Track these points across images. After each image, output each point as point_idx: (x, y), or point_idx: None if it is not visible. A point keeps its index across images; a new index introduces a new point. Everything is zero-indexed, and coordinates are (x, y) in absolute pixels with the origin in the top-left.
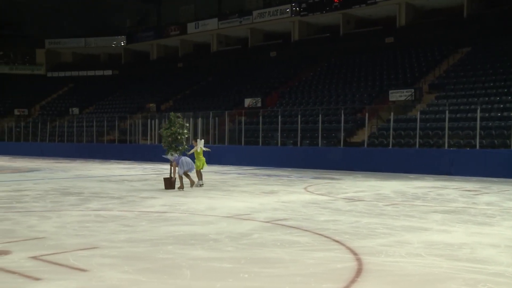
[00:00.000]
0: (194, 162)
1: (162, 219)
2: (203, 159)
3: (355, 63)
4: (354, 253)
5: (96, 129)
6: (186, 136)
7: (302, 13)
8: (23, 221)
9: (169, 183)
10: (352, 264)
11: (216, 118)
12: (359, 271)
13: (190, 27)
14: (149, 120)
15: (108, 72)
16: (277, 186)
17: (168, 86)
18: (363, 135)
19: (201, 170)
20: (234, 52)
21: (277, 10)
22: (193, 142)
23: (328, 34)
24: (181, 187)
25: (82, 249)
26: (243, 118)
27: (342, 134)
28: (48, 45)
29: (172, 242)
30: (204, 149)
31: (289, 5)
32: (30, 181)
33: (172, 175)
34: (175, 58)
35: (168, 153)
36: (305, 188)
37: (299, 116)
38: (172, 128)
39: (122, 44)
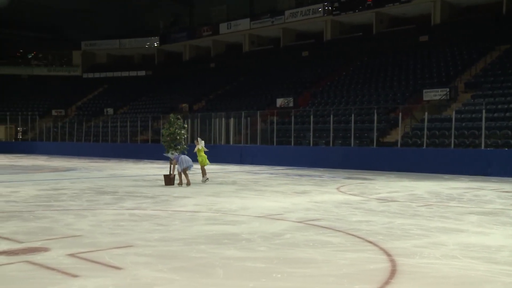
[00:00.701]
0: (197, 160)
1: (195, 219)
2: (205, 156)
3: (388, 62)
4: (388, 254)
5: (130, 129)
6: (184, 136)
7: (334, 13)
8: (61, 219)
9: (168, 180)
10: (386, 265)
11: (248, 118)
12: (393, 273)
13: (222, 27)
14: (182, 120)
15: (142, 73)
16: (309, 186)
17: (201, 86)
18: (396, 135)
19: (204, 166)
20: (266, 52)
21: (309, 9)
22: (195, 141)
23: (360, 33)
24: (180, 183)
25: (117, 248)
26: (275, 118)
27: (375, 134)
28: (84, 47)
29: (204, 242)
30: (205, 148)
31: (321, 5)
32: (67, 180)
33: (172, 172)
34: (208, 59)
35: (168, 151)
36: (337, 188)
37: (331, 116)
38: (171, 129)
39: (156, 45)
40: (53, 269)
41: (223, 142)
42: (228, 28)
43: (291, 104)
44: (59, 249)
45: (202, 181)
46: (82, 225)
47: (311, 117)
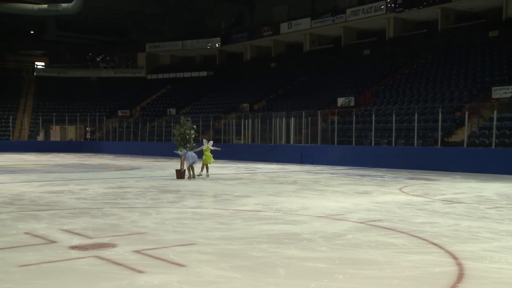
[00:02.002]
0: (202, 158)
1: (256, 218)
2: (210, 155)
3: (454, 60)
4: (454, 257)
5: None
6: (194, 136)
7: (397, 9)
8: (127, 217)
9: (179, 174)
10: (452, 269)
11: (309, 118)
12: (460, 277)
13: (283, 27)
14: (242, 120)
15: (203, 73)
16: (371, 187)
17: (261, 86)
18: (462, 135)
19: (208, 164)
20: (327, 51)
21: (371, 7)
22: (204, 141)
23: (424, 30)
24: (190, 177)
25: (180, 245)
26: (336, 118)
27: (440, 133)
28: (148, 49)
29: (266, 241)
30: (213, 148)
31: (383, 2)
32: (132, 179)
33: (182, 167)
34: (268, 58)
35: (178, 149)
36: (400, 189)
37: (393, 115)
38: (181, 129)
39: (217, 45)
40: (120, 264)
41: (283, 141)
42: (288, 28)
43: (352, 103)
44: (126, 245)
45: (197, 174)
46: (147, 222)
47: (373, 116)
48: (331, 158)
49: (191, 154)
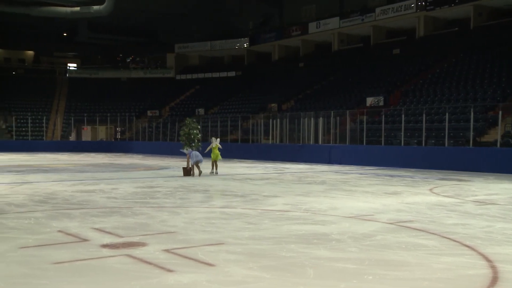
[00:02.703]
0: (210, 156)
1: (285, 218)
2: (217, 152)
3: (487, 58)
4: (488, 260)
5: (220, 128)
6: (198, 136)
7: (428, 8)
8: (156, 216)
9: (186, 171)
10: (486, 272)
11: (337, 118)
12: (494, 280)
13: (312, 26)
14: (270, 119)
15: (232, 74)
16: (401, 187)
17: (290, 86)
18: (495, 134)
19: (216, 161)
20: (356, 51)
21: (401, 6)
22: (210, 140)
23: (456, 28)
24: (193, 174)
25: (209, 245)
26: (364, 117)
27: (472, 133)
28: (177, 50)
29: (294, 241)
30: (219, 145)
31: (414, 0)
32: (161, 179)
33: (188, 165)
34: (297, 58)
35: (184, 148)
36: (430, 190)
37: (423, 115)
38: (185, 129)
39: (245, 45)
40: (150, 263)
41: (311, 141)
42: (317, 28)
43: (381, 103)
44: (156, 244)
45: (209, 173)
46: (176, 222)
47: (402, 116)
48: (360, 158)
49: (195, 153)
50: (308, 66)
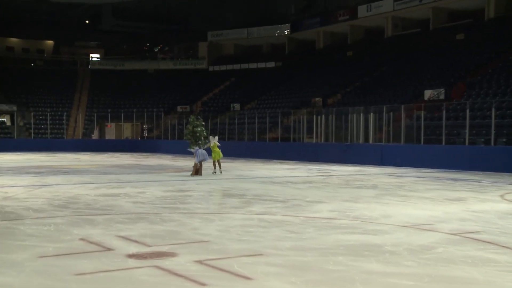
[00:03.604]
0: (210, 155)
1: (331, 226)
2: (218, 150)
3: None
4: None
5: (258, 126)
6: (204, 134)
7: None
8: (188, 223)
9: (195, 171)
10: None
11: (391, 113)
12: None
13: (361, 10)
14: (314, 116)
15: (271, 64)
16: (465, 193)
17: (336, 78)
18: None
19: (219, 160)
20: (412, 37)
21: None
22: (211, 138)
23: None
24: (196, 173)
25: (246, 256)
26: (422, 113)
27: None
28: (211, 38)
29: (342, 253)
30: (218, 144)
31: None
32: (192, 181)
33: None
34: (344, 46)
35: (190, 146)
36: (501, 196)
37: (493, 109)
38: (189, 127)
39: (286, 33)
40: (181, 275)
41: (361, 140)
42: (367, 11)
43: (442, 96)
44: (187, 254)
45: (212, 172)
46: (209, 229)
47: (467, 111)
48: (417, 159)
49: (201, 151)
50: (357, 55)
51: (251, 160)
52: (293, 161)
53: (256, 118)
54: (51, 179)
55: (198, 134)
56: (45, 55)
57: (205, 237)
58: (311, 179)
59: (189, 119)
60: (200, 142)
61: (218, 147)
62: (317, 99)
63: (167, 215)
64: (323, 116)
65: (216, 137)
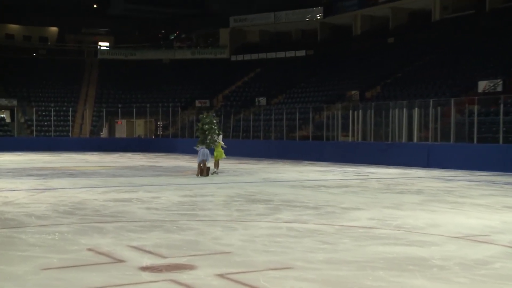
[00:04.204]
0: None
1: (370, 236)
2: (221, 150)
3: None
4: None
5: (287, 123)
6: (216, 132)
7: None
8: (208, 232)
9: (200, 171)
10: None
11: (438, 108)
12: None
13: None
14: (350, 111)
15: (301, 53)
16: None
17: (375, 68)
18: None
19: (219, 160)
20: (465, 20)
21: None
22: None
23: None
24: (198, 174)
25: (273, 269)
26: (475, 107)
27: None
28: (233, 23)
29: (383, 267)
30: (222, 143)
31: None
32: (212, 185)
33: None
34: (384, 32)
35: (197, 145)
36: None
37: None
38: (199, 124)
39: (318, 17)
40: None
41: (404, 139)
42: None
43: (499, 88)
44: (207, 267)
45: (210, 172)
46: (232, 239)
47: None
48: (469, 160)
49: (203, 151)
50: (399, 42)
51: (278, 161)
52: (326, 163)
53: (284, 114)
54: (55, 183)
55: (207, 132)
56: (49, 43)
57: (227, 247)
58: (347, 183)
59: (200, 116)
60: (208, 141)
61: (223, 147)
62: (353, 92)
63: (185, 223)
64: (360, 111)
65: (221, 136)
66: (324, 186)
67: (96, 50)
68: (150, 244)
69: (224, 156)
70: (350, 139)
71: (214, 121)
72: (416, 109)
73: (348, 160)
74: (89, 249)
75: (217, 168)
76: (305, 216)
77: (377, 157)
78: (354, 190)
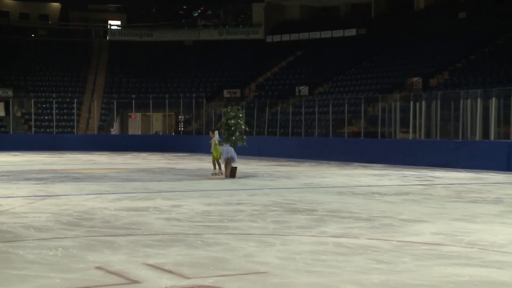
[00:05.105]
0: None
1: (436, 255)
2: (220, 149)
3: None
4: None
5: (333, 116)
6: (242, 126)
7: None
8: (238, 248)
9: (229, 172)
10: None
11: None
12: None
13: None
14: (411, 102)
15: (351, 32)
16: None
17: (442, 50)
18: None
19: (219, 160)
20: None
21: None
22: (210, 133)
23: None
24: (219, 173)
25: None
26: None
27: None
28: None
29: None
30: (217, 139)
31: None
32: (244, 191)
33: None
34: (454, 6)
35: (221, 143)
36: None
37: None
38: (223, 120)
39: None
40: None
41: (477, 136)
42: None
43: None
44: None
45: (212, 174)
46: (268, 257)
47: None
48: None
49: (227, 149)
50: (472, 17)
51: (323, 162)
52: (381, 165)
53: (331, 106)
54: (57, 188)
55: (232, 128)
56: (50, 22)
57: (261, 266)
58: (407, 190)
59: (225, 110)
60: (233, 137)
61: (240, 146)
62: (415, 79)
63: (211, 237)
64: (423, 102)
65: (216, 132)
66: (379, 193)
67: (106, 30)
68: (170, 262)
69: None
70: (410, 136)
71: (240, 115)
72: (494, 99)
73: (408, 162)
74: (98, 268)
75: (218, 170)
76: (356, 229)
77: (444, 158)
78: (416, 198)
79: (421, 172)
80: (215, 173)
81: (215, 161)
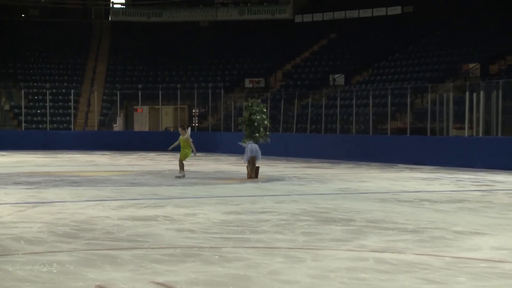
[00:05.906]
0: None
1: (497, 274)
2: (190, 149)
3: None
4: None
5: (374, 110)
6: (265, 122)
7: None
8: (262, 264)
9: (251, 173)
10: None
11: None
12: None
13: None
14: (467, 93)
15: (395, 10)
16: None
17: (503, 31)
18: None
19: (184, 161)
20: None
21: None
22: (180, 129)
23: None
24: (249, 175)
25: None
26: None
27: None
28: None
29: None
30: (188, 135)
31: None
32: (268, 197)
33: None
34: None
35: (243, 141)
36: None
37: None
38: (245, 114)
39: None
40: None
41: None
42: None
43: None
44: None
45: (176, 176)
46: (297, 274)
47: None
48: None
49: (250, 147)
50: None
51: (362, 164)
52: (431, 167)
53: (371, 97)
54: (52, 194)
55: (256, 124)
56: (43, 0)
57: (290, 286)
58: (462, 196)
59: (245, 103)
60: (257, 134)
61: (261, 143)
62: (471, 65)
63: (230, 251)
64: (481, 93)
65: (189, 129)
66: (428, 201)
67: (108, 10)
68: (182, 280)
69: (190, 155)
70: (466, 133)
71: (265, 110)
72: None
73: (463, 163)
74: (99, 286)
75: (182, 172)
76: (401, 242)
77: (507, 159)
78: (473, 207)
79: (479, 176)
80: (180, 176)
81: (182, 162)
